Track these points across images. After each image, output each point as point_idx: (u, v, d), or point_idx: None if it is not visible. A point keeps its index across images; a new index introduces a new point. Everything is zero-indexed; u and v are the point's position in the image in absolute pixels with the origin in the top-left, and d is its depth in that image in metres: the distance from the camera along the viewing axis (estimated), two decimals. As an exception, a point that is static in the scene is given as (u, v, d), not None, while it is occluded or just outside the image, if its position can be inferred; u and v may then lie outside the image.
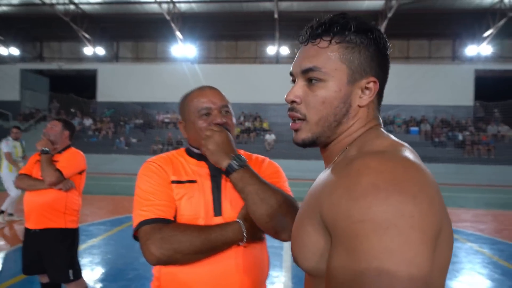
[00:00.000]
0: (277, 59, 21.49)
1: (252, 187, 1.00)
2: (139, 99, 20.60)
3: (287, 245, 4.71)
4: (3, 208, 6.11)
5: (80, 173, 2.61)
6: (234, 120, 1.20)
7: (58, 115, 20.70)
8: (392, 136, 0.69)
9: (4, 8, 19.28)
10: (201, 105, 1.13)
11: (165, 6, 18.17)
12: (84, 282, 2.58)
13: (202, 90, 1.17)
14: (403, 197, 0.51)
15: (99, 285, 3.53)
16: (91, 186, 3.00)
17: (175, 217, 1.08)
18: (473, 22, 18.64)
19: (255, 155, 1.27)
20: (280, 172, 1.21)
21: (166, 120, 19.99)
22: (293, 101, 0.72)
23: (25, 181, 2.46)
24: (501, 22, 16.78)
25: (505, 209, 8.78)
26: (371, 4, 18.01)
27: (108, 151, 17.35)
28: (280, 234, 1.02)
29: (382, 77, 0.71)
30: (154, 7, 18.44)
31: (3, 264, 4.27)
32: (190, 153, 1.21)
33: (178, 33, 19.61)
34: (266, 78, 19.60)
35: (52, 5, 17.98)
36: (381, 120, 0.75)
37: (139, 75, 20.66)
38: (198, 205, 1.09)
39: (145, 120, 20.12)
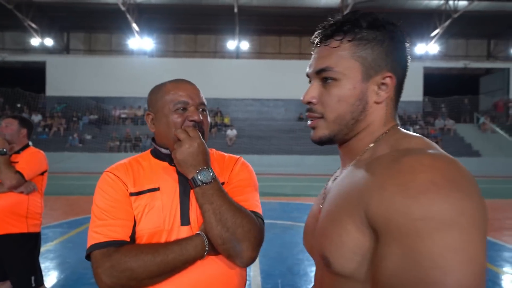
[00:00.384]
0: (237, 54, 21.42)
1: (210, 206, 0.95)
2: (93, 94, 19.62)
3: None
4: None
5: (42, 174, 2.45)
6: (209, 120, 1.14)
7: (3, 111, 19.19)
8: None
9: None
10: (178, 98, 1.05)
11: (120, -4, 17.41)
12: (46, 289, 2.45)
13: (180, 83, 1.09)
14: (462, 194, 0.52)
15: (61, 291, 3.35)
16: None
17: (133, 234, 1.00)
18: (422, 22, 19.74)
19: (228, 155, 1.20)
20: (250, 180, 1.13)
21: (123, 115, 19.25)
22: (309, 102, 0.73)
23: (-20, 185, 2.27)
24: (447, 23, 17.95)
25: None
26: (328, 1, 18.47)
27: (60, 149, 16.41)
28: (233, 259, 0.97)
29: (399, 72, 0.71)
30: (108, -3, 17.61)
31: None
32: (156, 154, 1.11)
33: (134, 25, 18.87)
34: (226, 73, 19.48)
35: (-8, -9, 16.57)
36: (397, 119, 0.75)
37: (92, 68, 19.67)
38: (159, 216, 1.00)
39: (100, 115, 19.21)
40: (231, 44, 21.22)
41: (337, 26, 0.70)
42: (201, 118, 1.06)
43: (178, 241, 0.97)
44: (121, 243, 0.97)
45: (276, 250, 4.51)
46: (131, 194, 1.03)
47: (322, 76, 0.71)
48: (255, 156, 14.65)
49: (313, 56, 0.76)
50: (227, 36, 21.33)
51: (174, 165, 1.06)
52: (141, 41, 20.09)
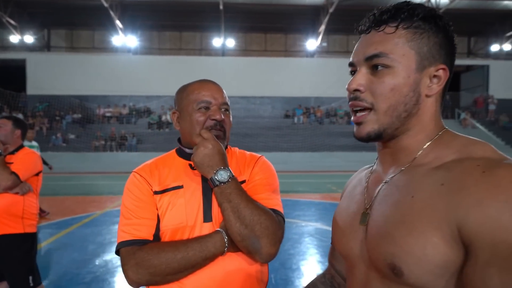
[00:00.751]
0: (223, 51, 21.35)
1: (229, 204, 0.98)
2: (76, 92, 19.25)
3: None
4: None
5: (37, 174, 2.44)
6: (231, 119, 1.17)
7: (-18, 110, 18.65)
8: None
9: None
10: (201, 98, 1.09)
11: (103, -8, 17.11)
12: (44, 289, 2.44)
13: (205, 83, 1.14)
14: None
15: (55, 291, 3.33)
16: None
17: (157, 231, 1.04)
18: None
19: (249, 154, 1.23)
20: (270, 178, 1.16)
21: (108, 114, 18.96)
22: (356, 90, 0.68)
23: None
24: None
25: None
26: (314, -1, 18.60)
27: (43, 149, 15.97)
28: (253, 255, 1.00)
29: (450, 67, 0.68)
30: (91, -6, 17.29)
31: None
32: (181, 154, 1.16)
33: (117, 22, 18.59)
34: (212, 71, 19.40)
35: (-31, -14, 16.04)
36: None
37: (75, 66, 19.28)
38: (182, 213, 1.04)
39: (84, 114, 18.87)
40: (217, 42, 21.14)
41: (392, 13, 0.67)
42: (223, 117, 1.10)
43: (198, 238, 1.01)
44: (144, 242, 1.01)
45: (268, 246, 4.56)
46: (156, 193, 1.07)
47: (373, 63, 0.67)
48: (242, 153, 14.65)
49: (359, 43, 0.71)
50: (212, 34, 21.23)
51: None
52: (125, 38, 19.80)
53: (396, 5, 0.67)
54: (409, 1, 0.68)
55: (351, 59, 0.71)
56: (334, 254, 0.96)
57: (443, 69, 0.67)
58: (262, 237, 0.98)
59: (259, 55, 21.64)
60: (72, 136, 17.53)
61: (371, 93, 0.67)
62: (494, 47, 21.21)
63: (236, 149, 1.24)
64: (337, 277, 0.95)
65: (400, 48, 0.66)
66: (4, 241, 2.27)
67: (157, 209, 1.06)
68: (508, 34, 19.78)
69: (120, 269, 3.82)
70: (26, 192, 2.32)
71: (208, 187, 1.06)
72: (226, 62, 20.17)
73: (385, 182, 0.70)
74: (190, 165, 1.12)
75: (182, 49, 22.15)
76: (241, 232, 0.97)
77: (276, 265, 3.91)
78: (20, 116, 18.22)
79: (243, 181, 1.12)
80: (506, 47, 20.87)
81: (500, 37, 20.55)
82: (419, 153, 0.67)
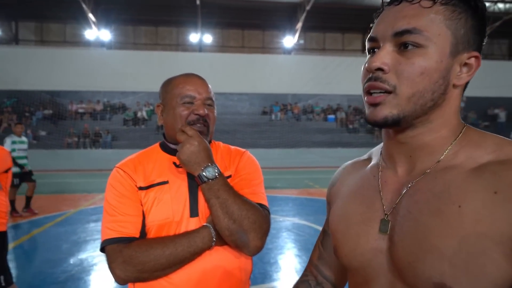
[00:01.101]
0: (200, 47, 21.15)
1: (217, 200, 0.99)
2: (47, 87, 18.54)
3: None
4: None
5: (6, 171, 2.36)
6: (215, 114, 1.16)
7: None
8: None
9: None
10: (185, 92, 1.09)
11: (74, -16, 16.55)
12: (16, 288, 2.38)
13: (190, 77, 1.13)
14: None
15: (28, 291, 3.24)
16: None
17: (143, 227, 1.04)
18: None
19: (234, 148, 1.23)
20: (255, 173, 1.17)
21: (81, 110, 18.40)
22: (379, 69, 0.59)
23: None
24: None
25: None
26: (291, -4, 18.72)
27: (12, 146, 15.45)
28: (241, 249, 1.02)
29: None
30: (62, -15, 16.68)
31: None
32: (165, 148, 1.15)
33: (90, 15, 18.04)
34: (189, 67, 19.03)
35: None
36: None
37: (45, 61, 18.56)
38: (169, 208, 1.04)
39: (56, 110, 18.22)
40: (194, 37, 20.91)
41: None
42: (206, 112, 1.09)
43: (185, 234, 1.01)
44: (131, 239, 1.01)
45: (246, 241, 4.61)
46: (140, 189, 1.06)
47: (402, 40, 0.57)
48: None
49: (385, 15, 0.61)
50: (189, 29, 20.98)
51: None
52: (98, 33, 19.25)
53: None
54: None
55: (372, 34, 0.61)
56: (323, 258, 0.86)
57: (476, 57, 0.59)
58: (249, 231, 1.00)
59: (237, 52, 21.59)
60: (43, 133, 16.92)
61: (396, 74, 0.57)
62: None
63: (220, 143, 1.24)
64: (325, 284, 0.86)
65: (436, 26, 0.56)
66: (-26, 240, 2.19)
67: (141, 205, 1.05)
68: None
69: (96, 268, 3.76)
70: (-4, 190, 2.25)
71: (194, 182, 1.06)
72: (203, 58, 19.99)
73: (410, 186, 0.61)
74: (174, 163, 1.11)
75: (158, 44, 21.77)
76: (230, 227, 0.99)
77: (254, 259, 3.93)
78: (-13, 112, 17.43)
79: (229, 176, 1.13)
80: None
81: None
82: (445, 152, 0.60)
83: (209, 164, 1.03)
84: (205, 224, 1.04)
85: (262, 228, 1.04)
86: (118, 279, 0.99)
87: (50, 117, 17.86)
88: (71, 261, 3.99)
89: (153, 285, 1.01)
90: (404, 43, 0.57)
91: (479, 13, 0.58)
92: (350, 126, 19.12)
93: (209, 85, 1.16)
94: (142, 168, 1.10)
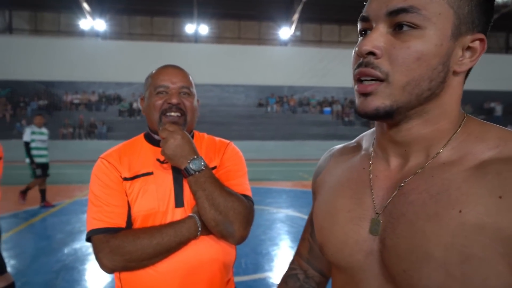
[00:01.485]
0: (196, 38, 21.01)
1: (203, 192, 1.02)
2: (41, 78, 18.41)
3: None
4: None
5: (-2, 162, 2.38)
6: (195, 103, 1.17)
7: None
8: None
9: None
10: (159, 82, 1.11)
11: (68, -27, 16.33)
12: (10, 276, 2.41)
13: (165, 68, 1.15)
14: None
15: (23, 279, 3.28)
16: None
17: (129, 217, 1.06)
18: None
19: (218, 139, 1.25)
20: (240, 164, 1.20)
21: (76, 101, 18.31)
22: (370, 53, 0.52)
23: None
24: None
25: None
26: (288, -13, 18.59)
27: (7, 136, 15.35)
28: (227, 239, 1.06)
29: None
30: (55, -26, 16.45)
31: None
32: (149, 139, 1.16)
33: (85, 5, 17.84)
34: (185, 58, 19.05)
35: None
36: None
37: (40, 50, 18.38)
38: (154, 198, 1.06)
39: (51, 101, 18.12)
40: (190, 28, 20.76)
41: None
42: (181, 100, 1.10)
43: (172, 224, 1.03)
44: (117, 229, 1.03)
45: (240, 232, 4.66)
46: (125, 179, 1.08)
47: (397, 20, 0.50)
48: (215, 142, 14.61)
49: None
50: (185, 20, 20.81)
51: None
52: (93, 22, 19.05)
53: None
54: None
55: (364, 13, 0.54)
56: (314, 251, 0.81)
57: (481, 40, 0.52)
58: (235, 222, 1.03)
59: (233, 43, 21.47)
60: (37, 124, 16.85)
61: (390, 60, 0.51)
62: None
63: (205, 134, 1.26)
64: (316, 277, 0.82)
65: (437, 4, 0.49)
66: (-33, 229, 2.21)
67: (126, 196, 1.07)
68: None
69: (90, 257, 3.80)
70: (-11, 180, 2.27)
71: (179, 173, 1.08)
72: (199, 49, 19.88)
73: (404, 184, 0.56)
74: (158, 159, 1.12)
75: (153, 34, 21.60)
76: (216, 218, 1.02)
77: (246, 250, 4.01)
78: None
79: (214, 167, 1.15)
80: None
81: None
82: (444, 147, 0.54)
83: (195, 157, 1.05)
84: (190, 214, 1.06)
85: (247, 218, 1.07)
86: (105, 268, 1.01)
87: (45, 108, 17.75)
88: (66, 250, 4.02)
89: (140, 274, 1.04)
90: (399, 23, 0.50)
91: None
92: (346, 119, 19.17)
93: (189, 75, 1.17)
94: (127, 159, 1.11)
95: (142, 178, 1.08)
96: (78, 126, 16.61)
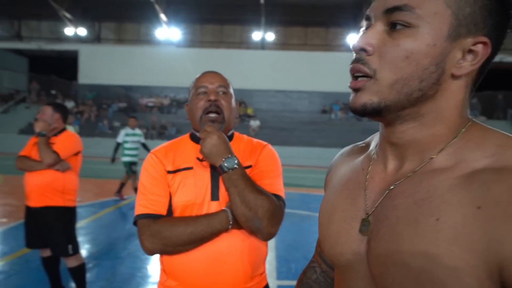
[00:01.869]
0: (262, 45, 21.44)
1: (235, 189, 1.09)
2: (122, 82, 20.26)
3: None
4: None
5: (76, 154, 2.72)
6: (233, 102, 1.26)
7: (38, 97, 20.20)
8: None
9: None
10: (199, 84, 1.22)
11: (149, -13, 17.79)
12: (81, 257, 2.74)
13: (204, 73, 1.26)
14: None
15: (94, 261, 3.67)
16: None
17: (170, 206, 1.16)
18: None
19: (256, 141, 1.32)
20: (274, 165, 1.26)
21: (150, 104, 19.80)
22: (363, 49, 0.52)
23: (24, 163, 2.57)
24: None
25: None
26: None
27: (91, 134, 17.13)
28: (255, 234, 1.13)
29: (494, 45, 0.50)
30: (138, -12, 18.04)
31: (8, 238, 4.41)
32: (193, 138, 1.28)
33: (162, 16, 19.26)
34: (251, 64, 19.58)
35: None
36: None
37: (121, 57, 20.26)
38: (192, 191, 1.15)
39: (129, 103, 19.87)
40: (257, 35, 21.26)
41: None
42: (218, 98, 1.20)
43: (206, 215, 1.13)
44: (158, 216, 1.15)
45: (293, 237, 4.67)
46: (168, 172, 1.19)
47: (392, 18, 0.50)
48: (277, 147, 14.33)
49: None
50: (252, 27, 21.36)
51: None
52: (168, 31, 20.48)
53: None
54: None
55: (367, 11, 0.55)
56: None
57: (484, 43, 0.49)
58: (263, 218, 1.09)
59: (299, 49, 21.49)
60: (117, 124, 18.49)
61: (380, 56, 0.51)
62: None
63: (245, 136, 1.35)
64: (330, 272, 0.84)
65: (433, 4, 0.49)
66: (47, 212, 2.57)
67: (169, 187, 1.19)
68: None
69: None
70: (66, 170, 2.61)
71: (216, 170, 1.17)
72: (265, 56, 20.24)
73: (392, 188, 0.55)
74: (198, 158, 1.21)
75: (222, 42, 22.52)
76: (245, 214, 1.09)
77: (298, 256, 4.02)
78: (72, 103, 19.54)
79: (249, 166, 1.22)
80: None
81: None
82: (439, 153, 0.52)
83: (229, 155, 1.13)
84: (224, 208, 1.14)
85: (276, 216, 1.13)
86: (146, 250, 1.14)
87: (124, 110, 19.46)
88: (133, 241, 4.39)
89: (176, 259, 1.15)
90: (394, 22, 0.50)
91: None
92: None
93: (226, 78, 1.28)
94: (172, 154, 1.23)
95: (182, 172, 1.19)
96: (151, 127, 17.91)
